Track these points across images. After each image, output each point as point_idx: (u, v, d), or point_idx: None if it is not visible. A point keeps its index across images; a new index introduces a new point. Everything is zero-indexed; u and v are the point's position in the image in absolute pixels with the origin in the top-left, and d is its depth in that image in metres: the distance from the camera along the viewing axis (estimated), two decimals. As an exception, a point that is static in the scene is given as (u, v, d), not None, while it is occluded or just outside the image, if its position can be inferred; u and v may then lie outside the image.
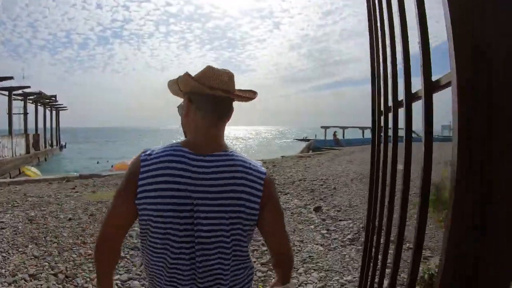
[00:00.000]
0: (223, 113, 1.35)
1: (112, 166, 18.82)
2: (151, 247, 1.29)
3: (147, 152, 1.31)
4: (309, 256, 4.60)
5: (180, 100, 1.44)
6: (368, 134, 52.69)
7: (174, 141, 1.35)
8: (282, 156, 19.10)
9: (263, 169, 1.35)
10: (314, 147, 27.88)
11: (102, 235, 1.33)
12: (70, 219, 6.04)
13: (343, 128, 49.28)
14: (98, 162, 29.06)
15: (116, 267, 2.85)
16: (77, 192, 8.76)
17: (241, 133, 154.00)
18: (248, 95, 1.40)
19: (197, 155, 1.27)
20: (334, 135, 31.98)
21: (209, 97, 1.30)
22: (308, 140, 48.24)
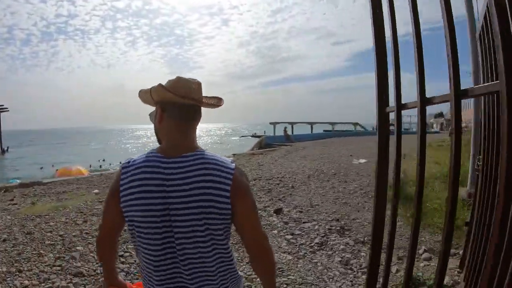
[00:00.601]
0: (193, 118, 1.45)
1: (57, 170, 17.55)
2: (140, 247, 1.41)
3: (128, 161, 1.42)
4: (279, 268, 4.25)
5: (149, 108, 1.56)
6: (316, 129, 53.97)
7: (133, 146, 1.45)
8: (233, 154, 18.76)
9: (232, 165, 1.39)
10: (265, 143, 27.71)
11: (99, 234, 1.56)
12: (4, 240, 5.09)
13: (292, 124, 49.67)
14: (42, 168, 27.14)
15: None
16: (15, 204, 7.85)
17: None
18: (214, 102, 1.51)
19: (168, 158, 1.36)
20: (285, 131, 31.96)
21: (179, 105, 1.40)
22: (258, 136, 48.20)
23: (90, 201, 7.65)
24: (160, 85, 1.37)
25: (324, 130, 51.65)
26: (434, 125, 77.93)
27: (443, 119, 75.18)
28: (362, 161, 14.31)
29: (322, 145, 23.66)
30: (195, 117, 1.45)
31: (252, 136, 63.50)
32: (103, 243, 1.56)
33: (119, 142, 74.88)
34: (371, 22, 2.25)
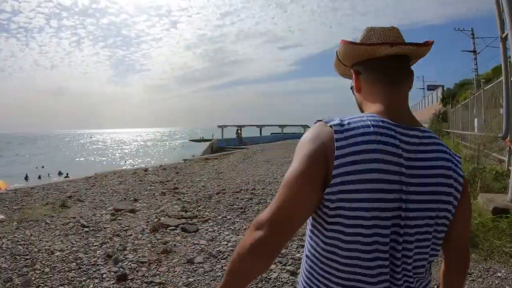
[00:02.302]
0: (407, 73, 1.00)
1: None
2: (342, 250, 0.86)
3: (341, 122, 0.88)
4: None
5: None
6: (265, 132, 52.45)
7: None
8: (184, 160, 15.71)
9: (458, 154, 0.99)
10: (217, 147, 24.79)
11: (268, 231, 0.84)
12: None
13: (241, 126, 47.83)
14: None
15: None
16: None
17: (130, 137, 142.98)
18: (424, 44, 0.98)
19: (404, 128, 0.88)
20: (238, 133, 29.10)
21: (380, 59, 0.97)
22: (206, 140, 45.24)
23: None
24: (344, 41, 0.98)
25: (272, 133, 50.29)
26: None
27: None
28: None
29: (280, 147, 21.21)
30: (409, 72, 1.00)
31: (200, 140, 60.53)
32: (271, 245, 0.86)
33: (66, 148, 68.14)
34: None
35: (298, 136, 42.05)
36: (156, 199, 7.23)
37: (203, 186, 8.56)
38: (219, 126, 49.75)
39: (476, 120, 10.79)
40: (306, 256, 0.97)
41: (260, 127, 54.34)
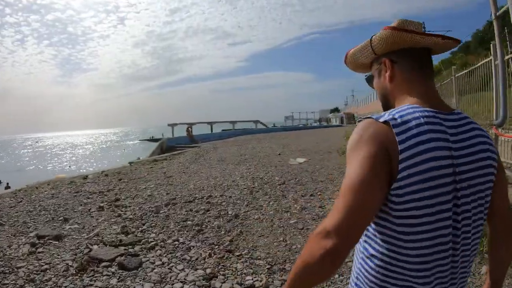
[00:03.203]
0: (432, 66, 1.07)
1: None
2: (414, 242, 0.91)
3: (395, 117, 0.90)
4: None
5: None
6: (216, 129, 51.26)
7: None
8: (130, 163, 14.02)
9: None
10: (167, 146, 23.09)
11: (339, 238, 0.83)
12: None
13: (191, 124, 46.28)
14: None
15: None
16: None
17: (78, 140, 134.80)
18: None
19: (445, 114, 0.94)
20: (188, 130, 27.40)
21: (417, 50, 1.03)
22: (156, 140, 43.20)
23: None
24: (391, 27, 1.00)
25: (222, 130, 49.31)
26: (332, 120, 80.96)
27: (342, 113, 78.21)
28: (301, 160, 10.94)
29: (234, 144, 19.94)
30: (431, 64, 1.06)
31: (150, 139, 58.02)
32: (344, 254, 0.84)
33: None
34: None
35: (250, 131, 41.06)
36: (92, 216, 5.78)
37: (149, 195, 7.18)
38: (169, 125, 47.98)
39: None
40: (371, 255, 0.97)
41: (211, 124, 53.05)
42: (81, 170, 29.21)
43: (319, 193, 6.53)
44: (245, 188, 7.10)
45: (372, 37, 1.04)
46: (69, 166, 36.36)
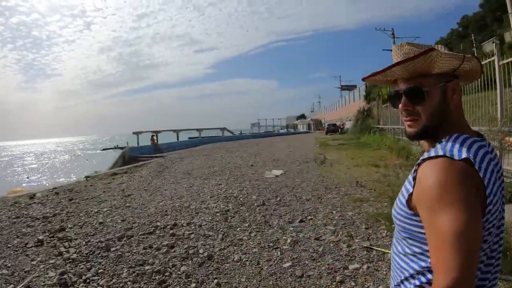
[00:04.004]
0: None
1: None
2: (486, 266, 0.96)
3: (465, 155, 0.91)
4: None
5: None
6: (182, 136, 49.52)
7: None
8: (86, 177, 12.35)
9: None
10: (130, 157, 21.31)
11: (466, 279, 0.81)
12: None
13: (157, 132, 44.42)
14: None
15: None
16: None
17: (40, 148, 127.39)
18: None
19: (482, 141, 0.99)
20: (152, 139, 25.64)
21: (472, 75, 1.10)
22: (122, 148, 41.00)
23: None
24: (476, 57, 1.03)
25: (189, 137, 47.71)
26: (299, 126, 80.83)
27: (310, 119, 78.12)
28: (277, 172, 9.76)
29: (201, 154, 18.51)
30: None
31: (115, 148, 55.38)
32: None
33: None
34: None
35: (217, 139, 39.67)
36: (27, 254, 4.38)
37: (101, 222, 5.78)
38: (134, 133, 45.99)
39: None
40: None
41: (177, 132, 51.35)
42: (38, 183, 26.95)
43: (309, 217, 5.35)
44: (218, 212, 5.82)
45: (442, 49, 1.00)
46: (27, 177, 33.66)
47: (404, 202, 0.98)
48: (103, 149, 64.33)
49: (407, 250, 0.99)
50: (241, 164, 12.59)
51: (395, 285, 1.05)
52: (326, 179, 8.64)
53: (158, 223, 5.43)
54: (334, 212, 5.64)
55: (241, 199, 6.72)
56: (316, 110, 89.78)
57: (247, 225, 5.08)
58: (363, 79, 1.14)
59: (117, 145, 59.74)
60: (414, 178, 0.96)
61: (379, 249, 3.94)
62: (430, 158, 0.92)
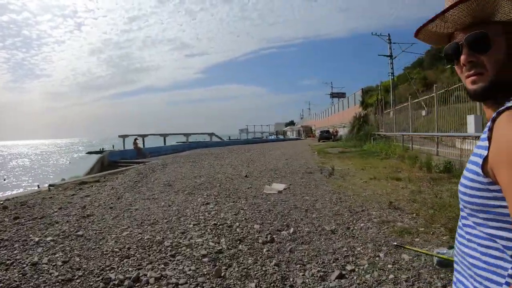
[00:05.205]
0: None
1: None
2: None
3: None
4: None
5: None
6: (169, 141, 47.52)
7: None
8: (50, 186, 10.22)
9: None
10: (109, 161, 19.09)
11: None
12: None
13: (143, 136, 42.39)
14: None
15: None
16: None
17: (26, 150, 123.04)
18: None
19: None
20: (135, 143, 23.38)
21: None
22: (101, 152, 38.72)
23: None
24: None
25: (177, 142, 45.73)
26: (289, 133, 79.41)
27: (300, 126, 76.70)
28: (280, 187, 7.80)
29: (187, 160, 16.37)
30: None
31: (100, 151, 52.92)
32: None
33: None
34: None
35: (204, 144, 37.61)
36: None
37: (34, 264, 3.82)
38: (120, 136, 44.28)
39: (472, 117, 7.64)
40: None
41: (164, 136, 49.38)
42: (12, 184, 24.66)
43: (349, 266, 3.42)
44: (205, 256, 3.81)
45: None
46: (4, 179, 31.21)
47: (479, 170, 0.75)
48: (88, 152, 61.58)
49: (485, 235, 0.75)
50: (233, 174, 10.56)
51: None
52: (344, 197, 6.72)
53: (112, 274, 3.43)
54: (381, 255, 3.71)
55: (238, 230, 4.71)
56: (306, 116, 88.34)
57: (253, 285, 3.09)
58: (417, 32, 0.93)
59: (102, 148, 57.12)
60: (489, 138, 0.74)
61: None
62: (508, 108, 0.72)
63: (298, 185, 8.20)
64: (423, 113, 13.81)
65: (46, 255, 4.20)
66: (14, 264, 3.97)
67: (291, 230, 4.65)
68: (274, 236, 4.40)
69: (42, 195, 8.35)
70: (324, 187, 7.88)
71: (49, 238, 4.80)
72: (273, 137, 75.80)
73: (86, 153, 61.91)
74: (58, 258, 4.06)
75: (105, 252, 4.13)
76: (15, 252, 4.37)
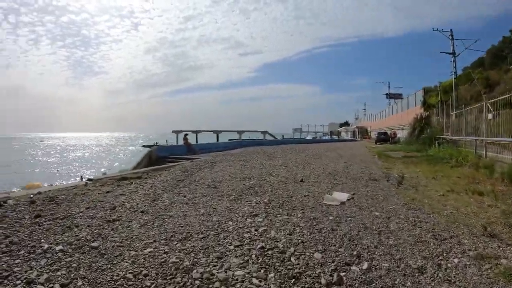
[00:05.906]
0: None
1: None
2: None
3: None
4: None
5: None
6: (222, 138, 47.19)
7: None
8: (88, 180, 9.60)
9: None
10: (157, 156, 18.57)
11: None
12: None
13: (196, 132, 42.32)
14: None
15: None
16: None
17: (83, 142, 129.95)
18: None
19: None
20: (185, 139, 22.90)
21: None
22: (150, 146, 38.88)
23: None
24: None
25: (229, 139, 45.20)
26: (343, 133, 76.91)
27: (355, 127, 74.04)
28: (343, 197, 6.45)
29: (238, 159, 15.31)
30: None
31: (152, 145, 53.90)
32: None
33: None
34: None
35: (258, 143, 36.73)
36: None
37: (29, 283, 2.97)
38: (174, 131, 44.52)
39: None
40: None
41: (217, 132, 49.12)
42: (65, 174, 25.19)
43: None
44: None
45: None
46: (57, 170, 32.25)
47: None
48: (143, 146, 63.15)
49: None
50: (287, 177, 9.31)
51: None
52: (422, 216, 5.29)
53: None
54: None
55: (292, 259, 3.46)
56: (361, 117, 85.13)
57: None
58: None
59: (156, 143, 58.25)
60: None
61: None
62: None
63: (363, 195, 6.81)
64: (490, 116, 12.07)
65: (47, 270, 3.30)
66: (9, 278, 3.09)
67: (365, 265, 3.35)
68: (341, 274, 3.13)
69: (76, 190, 7.63)
70: (395, 200, 6.44)
71: (59, 247, 3.89)
72: (327, 137, 73.67)
73: (142, 146, 63.57)
74: (58, 279, 3.12)
75: (115, 278, 3.10)
76: (17, 261, 3.51)
